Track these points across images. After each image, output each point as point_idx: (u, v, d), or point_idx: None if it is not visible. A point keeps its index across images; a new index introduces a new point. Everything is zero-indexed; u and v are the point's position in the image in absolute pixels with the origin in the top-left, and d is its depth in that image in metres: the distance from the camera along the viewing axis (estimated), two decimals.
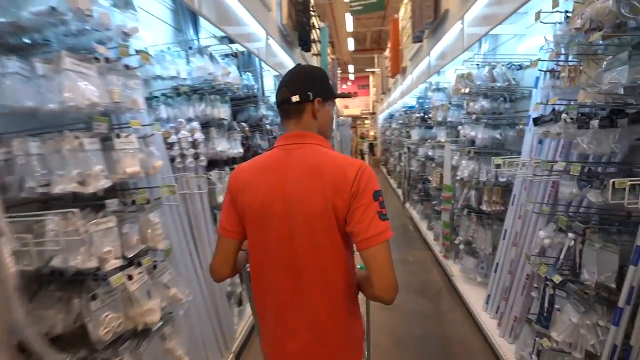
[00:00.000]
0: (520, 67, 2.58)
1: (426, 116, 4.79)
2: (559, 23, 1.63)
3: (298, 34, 3.90)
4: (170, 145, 1.82)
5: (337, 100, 18.25)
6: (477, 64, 2.75)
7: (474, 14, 2.74)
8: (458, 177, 2.94)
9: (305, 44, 4.10)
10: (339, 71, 13.16)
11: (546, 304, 1.66)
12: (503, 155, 2.77)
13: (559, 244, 1.63)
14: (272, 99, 4.18)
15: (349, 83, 21.71)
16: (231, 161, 2.57)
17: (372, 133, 19.51)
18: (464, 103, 3.61)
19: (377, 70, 16.38)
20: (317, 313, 0.89)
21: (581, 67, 1.51)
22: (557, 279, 1.52)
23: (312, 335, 0.89)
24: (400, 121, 7.34)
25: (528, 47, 2.62)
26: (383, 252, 0.83)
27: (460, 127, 3.15)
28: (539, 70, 1.89)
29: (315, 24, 5.01)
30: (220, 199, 2.14)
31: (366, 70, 20.10)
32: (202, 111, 2.01)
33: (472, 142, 3.35)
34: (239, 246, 0.98)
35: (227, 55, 2.55)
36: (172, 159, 1.84)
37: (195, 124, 1.94)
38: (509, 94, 2.65)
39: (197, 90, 2.06)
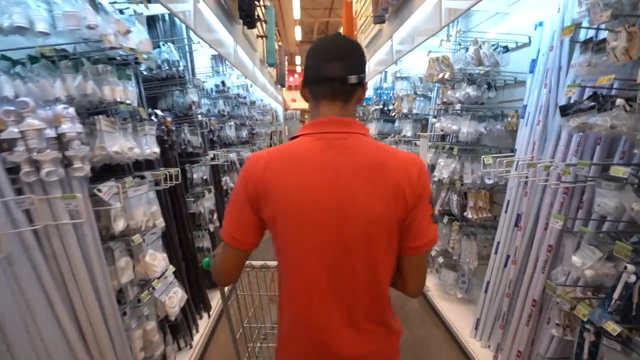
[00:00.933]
0: (507, 49, 2.19)
1: (386, 108, 4.36)
2: None
3: (239, 3, 3.14)
4: (7, 145, 1.03)
5: (286, 93, 17.53)
6: (459, 44, 2.31)
7: None
8: (435, 179, 2.50)
9: (249, 18, 3.36)
10: (285, 64, 12.39)
11: (585, 355, 1.24)
12: (490, 153, 2.39)
13: (604, 275, 1.22)
14: (209, 83, 3.38)
15: (296, 76, 21.04)
16: (145, 165, 1.80)
17: None
18: (433, 92, 3.23)
19: None
20: (373, 313, 0.80)
21: None
22: (614, 329, 1.09)
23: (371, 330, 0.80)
24: None
25: (508, 28, 2.25)
26: (426, 258, 0.81)
27: (434, 120, 2.72)
28: (572, 40, 1.45)
29: None
30: (121, 224, 1.39)
31: None
32: (79, 88, 1.23)
33: (443, 137, 2.98)
34: (248, 255, 0.84)
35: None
36: (13, 169, 1.06)
37: (65, 109, 1.16)
38: (494, 81, 2.26)
39: (71, 55, 1.27)
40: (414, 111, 3.48)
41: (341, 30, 7.93)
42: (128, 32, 1.32)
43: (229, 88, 3.41)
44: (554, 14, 1.77)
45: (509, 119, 2.15)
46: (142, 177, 1.50)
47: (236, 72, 4.24)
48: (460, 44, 2.30)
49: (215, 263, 0.87)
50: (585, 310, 1.22)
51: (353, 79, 0.76)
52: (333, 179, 0.73)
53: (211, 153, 2.76)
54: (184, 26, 2.29)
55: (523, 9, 2.17)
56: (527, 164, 1.74)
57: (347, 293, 0.76)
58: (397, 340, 0.86)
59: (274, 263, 1.10)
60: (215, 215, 2.63)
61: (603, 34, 1.27)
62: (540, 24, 1.94)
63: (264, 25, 4.96)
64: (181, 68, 2.17)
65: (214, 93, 3.37)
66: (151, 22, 2.17)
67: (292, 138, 0.79)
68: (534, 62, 1.95)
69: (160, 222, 1.61)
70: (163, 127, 1.99)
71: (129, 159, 1.39)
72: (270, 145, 6.41)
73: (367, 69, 1.01)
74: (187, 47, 2.38)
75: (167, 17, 2.22)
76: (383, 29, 4.08)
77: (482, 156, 2.06)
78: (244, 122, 4.34)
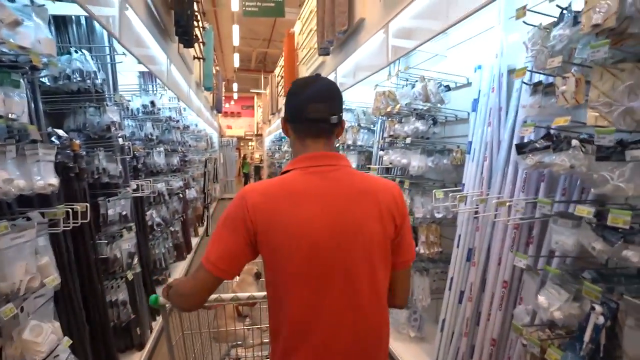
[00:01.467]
0: (448, 88, 2.30)
1: None
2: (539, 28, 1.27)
3: (175, 17, 2.86)
4: None
5: (222, 120, 16.91)
6: (406, 79, 2.36)
7: (400, 24, 2.37)
8: None
9: (186, 36, 3.08)
10: (222, 90, 12.03)
11: None
12: (437, 187, 2.43)
13: (571, 317, 1.19)
14: (135, 102, 2.95)
15: (232, 102, 20.66)
16: (37, 201, 1.36)
17: (257, 155, 18.74)
18: (377, 125, 3.28)
19: (262, 91, 15.95)
20: (372, 340, 0.82)
21: (588, 80, 1.15)
22: None
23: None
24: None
25: (447, 68, 2.40)
26: (410, 270, 0.93)
27: (381, 153, 2.71)
28: (524, 82, 1.51)
29: (199, 17, 4.02)
30: None
31: (251, 90, 19.52)
32: None
33: (387, 169, 3.00)
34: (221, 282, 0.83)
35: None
36: None
37: None
38: (438, 117, 2.34)
39: None
40: (358, 143, 3.49)
41: (282, 61, 8.01)
42: (17, 23, 0.98)
43: (159, 109, 3.01)
44: (492, 59, 1.89)
45: (454, 154, 2.21)
46: (28, 219, 1.10)
47: (168, 94, 3.84)
48: (407, 80, 2.36)
49: (183, 289, 0.85)
50: (557, 355, 1.17)
51: (334, 119, 0.83)
52: (328, 209, 0.78)
53: (134, 183, 2.32)
54: (105, 34, 1.93)
55: (460, 52, 2.33)
56: (479, 200, 1.76)
57: (357, 318, 0.79)
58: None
59: (244, 295, 1.17)
60: (136, 259, 2.16)
61: (550, 79, 1.34)
62: (479, 67, 2.07)
63: (201, 46, 4.68)
64: (99, 81, 1.79)
65: (140, 114, 2.94)
66: (62, 23, 1.78)
67: (283, 172, 0.83)
68: (475, 102, 2.05)
69: (53, 280, 1.19)
70: (68, 152, 1.57)
71: (4, 195, 0.99)
72: (205, 174, 5.91)
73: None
74: (108, 57, 2.00)
75: (84, 21, 1.86)
76: (327, 61, 4.14)
77: (434, 190, 2.05)
78: (175, 147, 3.89)
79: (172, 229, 3.65)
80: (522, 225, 1.63)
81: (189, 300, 0.83)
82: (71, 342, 1.32)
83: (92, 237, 1.84)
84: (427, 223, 2.25)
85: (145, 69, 2.85)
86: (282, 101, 8.64)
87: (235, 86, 17.54)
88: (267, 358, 1.23)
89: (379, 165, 2.91)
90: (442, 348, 2.02)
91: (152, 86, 3.22)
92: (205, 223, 6.09)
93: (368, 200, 0.80)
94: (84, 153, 1.64)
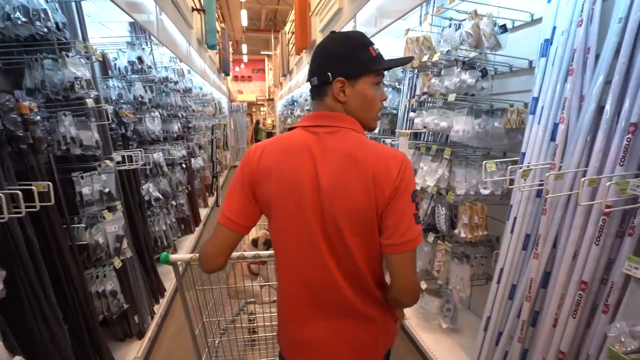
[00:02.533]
0: (505, 29, 1.77)
1: None
2: None
3: None
4: None
5: (232, 84, 16.27)
6: (449, 19, 1.83)
7: None
8: (417, 187, 2.04)
9: None
10: (230, 50, 11.32)
11: None
12: (480, 156, 1.98)
13: None
14: (122, 59, 2.53)
15: (242, 65, 19.83)
16: None
17: (269, 121, 18.21)
18: (404, 82, 2.77)
19: (273, 52, 15.06)
20: (350, 304, 0.81)
21: None
22: None
23: (345, 324, 0.83)
24: (307, 107, 6.33)
25: (499, 2, 1.84)
26: (412, 257, 0.78)
27: (412, 115, 2.25)
28: None
29: None
30: None
31: (261, 52, 18.54)
32: None
33: (415, 134, 2.55)
34: (241, 238, 0.87)
35: None
36: None
37: None
38: (494, 67, 1.83)
39: None
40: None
41: (292, 15, 7.26)
42: None
43: (149, 67, 2.59)
44: None
45: (509, 114, 1.73)
46: None
47: (162, 50, 3.38)
48: (451, 19, 1.83)
49: (206, 251, 0.87)
50: None
51: (314, 80, 0.81)
52: (317, 169, 0.76)
53: (118, 155, 1.97)
54: None
55: None
56: (554, 175, 1.32)
57: (327, 282, 0.80)
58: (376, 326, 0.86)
59: (251, 253, 1.21)
60: (126, 243, 1.87)
61: None
62: None
63: None
64: (52, 24, 1.37)
65: (128, 73, 2.53)
66: None
67: (290, 128, 0.84)
68: (547, 44, 1.54)
69: None
70: (14, 116, 1.21)
71: None
72: (212, 141, 5.56)
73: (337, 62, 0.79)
74: None
75: None
76: (344, 7, 3.54)
77: (485, 162, 1.62)
78: (175, 113, 3.50)
79: (175, 202, 3.36)
80: (614, 210, 1.20)
81: (212, 260, 0.86)
82: None
83: (65, 222, 1.53)
84: (471, 201, 1.84)
85: (129, 18, 2.40)
86: (293, 61, 7.97)
87: (244, 47, 16.62)
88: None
89: (409, 129, 2.45)
90: (485, 350, 1.70)
91: (145, 42, 2.77)
92: (215, 193, 5.84)
93: (356, 169, 0.75)
94: (38, 118, 1.27)
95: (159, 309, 2.42)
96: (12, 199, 1.16)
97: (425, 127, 2.03)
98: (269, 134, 15.49)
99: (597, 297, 1.27)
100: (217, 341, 1.55)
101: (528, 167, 1.50)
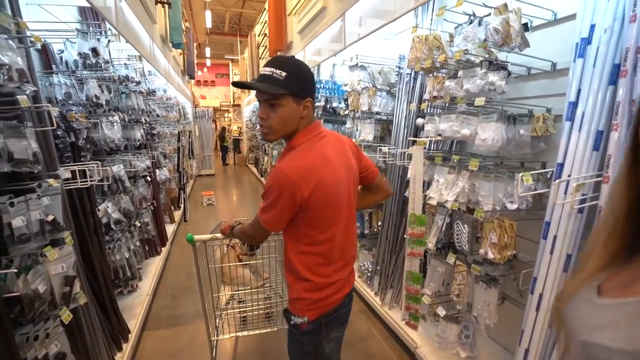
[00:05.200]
0: (526, 27, 1.60)
1: (329, 106, 3.59)
2: None
3: None
4: None
5: (195, 89, 15.44)
6: (471, 14, 1.63)
7: None
8: (433, 202, 1.80)
9: None
10: (195, 52, 10.65)
11: None
12: (504, 167, 1.79)
13: None
14: (69, 50, 2.07)
15: (205, 70, 19.01)
16: None
17: (235, 127, 17.53)
18: (400, 86, 2.56)
19: (238, 57, 14.51)
20: (355, 248, 1.26)
21: None
22: None
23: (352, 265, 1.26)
24: None
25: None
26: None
27: (421, 121, 2.02)
28: None
29: None
30: None
31: (225, 56, 17.87)
32: None
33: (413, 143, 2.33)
34: None
35: None
36: None
37: None
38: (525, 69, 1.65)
39: None
40: (374, 109, 2.78)
41: (263, 16, 6.91)
42: None
43: (106, 62, 2.14)
44: None
45: (536, 121, 1.56)
46: None
47: (123, 47, 2.90)
48: (472, 15, 1.62)
49: (247, 234, 1.24)
50: None
51: (289, 89, 1.03)
52: (342, 161, 1.13)
53: (66, 170, 1.52)
54: None
55: None
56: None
57: (352, 243, 1.23)
58: None
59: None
60: (77, 286, 1.42)
61: None
62: None
63: None
64: None
65: (79, 68, 2.06)
66: None
67: (293, 145, 1.09)
68: (584, 43, 1.38)
69: None
70: None
71: None
72: (179, 149, 5.02)
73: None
74: None
75: None
76: (328, 6, 3.29)
77: (521, 174, 1.41)
78: (137, 117, 3.01)
79: (139, 221, 2.87)
80: None
81: (253, 241, 1.45)
82: None
83: None
84: (497, 217, 1.63)
85: (82, 1, 1.95)
86: (263, 64, 7.59)
87: (208, 51, 15.91)
88: (266, 298, 2.02)
89: (413, 137, 2.22)
90: None
91: (100, 32, 2.30)
92: (182, 206, 5.28)
93: (345, 148, 1.17)
94: None
95: (122, 358, 1.95)
96: None
97: (440, 135, 1.81)
98: (236, 141, 14.83)
99: None
100: (217, 321, 1.93)
101: (574, 178, 1.31)
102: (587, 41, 1.37)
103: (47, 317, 1.33)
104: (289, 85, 0.99)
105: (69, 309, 1.35)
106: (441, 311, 1.87)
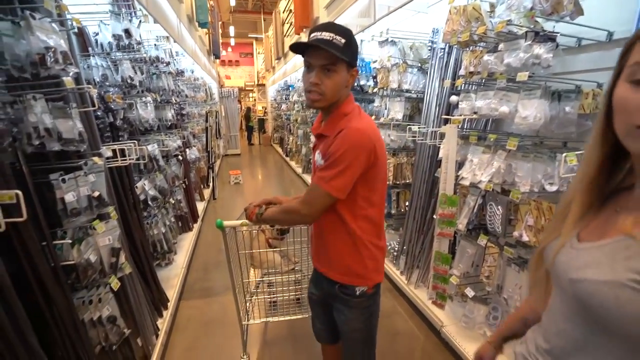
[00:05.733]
0: None
1: (357, 84, 3.50)
2: None
3: None
4: None
5: (219, 69, 15.54)
6: None
7: None
8: (466, 182, 1.75)
9: None
10: (219, 31, 10.63)
11: None
12: (541, 147, 1.70)
13: None
14: (104, 33, 2.12)
15: (230, 49, 18.97)
16: None
17: (260, 107, 17.61)
18: (432, 61, 2.45)
19: (262, 35, 14.35)
20: None
21: None
22: None
23: None
24: None
25: None
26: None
27: (455, 99, 1.94)
28: None
29: None
30: None
31: (249, 35, 17.73)
32: None
33: (446, 122, 2.24)
34: None
35: None
36: None
37: None
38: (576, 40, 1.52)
39: None
40: (405, 87, 2.69)
41: None
42: None
43: (139, 44, 2.18)
44: None
45: (585, 97, 1.44)
46: None
47: (151, 27, 2.94)
48: None
49: (310, 211, 1.07)
50: None
51: (343, 54, 1.03)
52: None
53: (107, 149, 1.61)
54: None
55: None
56: None
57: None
58: None
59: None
60: (123, 257, 1.52)
61: None
62: None
63: None
64: None
65: (113, 50, 2.12)
66: None
67: (347, 110, 1.09)
68: None
69: None
70: None
71: None
72: (207, 129, 5.14)
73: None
74: None
75: None
76: None
77: (564, 154, 1.33)
78: (168, 98, 3.09)
79: (172, 199, 3.00)
80: None
81: (312, 218, 1.11)
82: None
83: (45, 238, 1.18)
84: (535, 199, 1.56)
85: None
86: (289, 42, 7.48)
87: (232, 30, 15.82)
88: (296, 282, 2.03)
89: (446, 115, 2.14)
90: None
91: (131, 13, 2.34)
92: (211, 185, 5.46)
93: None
94: None
95: (163, 324, 2.10)
96: None
97: (476, 113, 1.73)
98: (261, 121, 14.95)
99: None
100: (248, 305, 1.93)
101: None
102: None
103: (98, 285, 1.45)
104: (346, 52, 0.99)
105: (116, 277, 1.46)
106: (470, 292, 1.86)
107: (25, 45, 1.06)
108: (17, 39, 1.06)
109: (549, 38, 1.40)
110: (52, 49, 1.09)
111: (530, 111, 1.44)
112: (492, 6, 1.73)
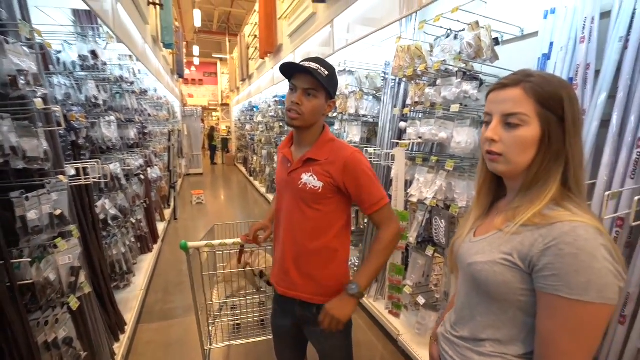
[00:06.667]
0: (497, 42, 1.78)
1: None
2: None
3: None
4: None
5: (183, 87, 15.31)
6: (448, 29, 1.80)
7: None
8: (414, 199, 1.96)
9: None
10: (184, 51, 10.61)
11: None
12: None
13: None
14: (68, 52, 2.14)
15: (193, 68, 18.85)
16: None
17: (224, 127, 17.48)
18: (385, 91, 2.72)
19: (227, 56, 14.48)
20: None
21: None
22: None
23: None
24: (271, 114, 6.09)
25: (490, 13, 1.87)
26: None
27: (403, 125, 2.19)
28: None
29: None
30: None
31: (213, 55, 17.79)
32: None
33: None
34: None
35: None
36: None
37: None
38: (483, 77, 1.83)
39: None
40: (361, 112, 2.94)
41: (253, 18, 6.99)
42: None
43: (104, 64, 2.22)
44: None
45: None
46: None
47: (117, 47, 2.97)
48: (449, 30, 1.79)
49: (397, 222, 1.17)
50: None
51: (324, 84, 1.15)
52: None
53: (71, 167, 1.61)
54: None
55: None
56: (611, 194, 1.31)
57: None
58: None
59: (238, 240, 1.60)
60: (83, 276, 1.51)
61: None
62: (553, 10, 1.56)
63: None
64: None
65: (77, 70, 2.13)
66: None
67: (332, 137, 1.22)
68: (545, 58, 1.56)
69: None
70: None
71: None
72: (169, 148, 5.07)
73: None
74: None
75: None
76: (318, 12, 3.43)
77: None
78: (131, 117, 3.08)
79: (133, 219, 2.94)
80: (626, 225, 1.22)
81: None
82: None
83: (3, 256, 1.17)
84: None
85: (83, 5, 2.03)
86: (254, 65, 7.68)
87: (196, 49, 15.81)
88: (261, 304, 1.99)
89: (398, 139, 2.38)
90: None
91: (95, 34, 2.37)
92: (172, 204, 5.32)
93: None
94: None
95: (120, 348, 2.04)
96: None
97: (420, 138, 1.98)
98: (224, 140, 14.81)
99: None
100: (210, 329, 1.91)
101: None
102: (547, 57, 1.55)
103: (55, 305, 1.42)
104: (328, 83, 1.11)
105: (75, 297, 1.44)
106: (421, 300, 2.03)
107: None
108: None
109: (474, 77, 1.68)
110: (24, 72, 1.14)
111: (463, 137, 1.70)
112: (432, 47, 2.02)
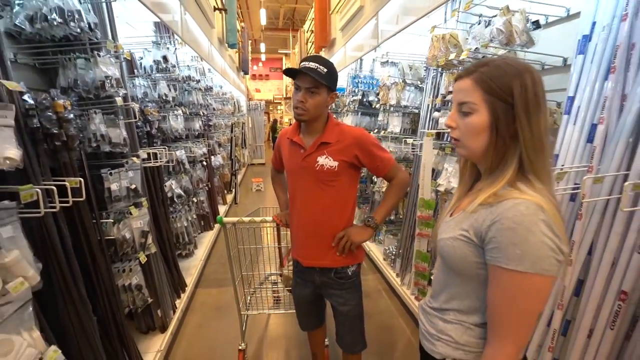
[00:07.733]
0: (538, 25, 1.69)
1: (365, 100, 3.80)
2: None
3: None
4: None
5: (250, 82, 16.38)
6: (480, 15, 1.77)
7: None
8: (441, 188, 1.98)
9: None
10: (249, 49, 11.41)
11: None
12: None
13: None
14: (147, 58, 2.59)
15: (260, 64, 19.99)
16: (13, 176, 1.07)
17: (286, 119, 18.29)
18: (427, 81, 2.71)
19: (291, 51, 15.09)
20: None
21: None
22: None
23: None
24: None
25: None
26: None
27: (437, 114, 2.19)
28: None
29: None
30: None
31: (279, 51, 18.65)
32: None
33: (438, 135, 2.48)
34: None
35: None
36: None
37: None
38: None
39: None
40: (403, 103, 2.96)
41: (312, 13, 7.24)
42: None
43: (173, 66, 2.63)
44: None
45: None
46: None
47: (187, 50, 3.44)
48: (480, 15, 1.77)
49: (401, 197, 1.41)
50: None
51: (324, 81, 1.29)
52: None
53: (144, 152, 2.01)
54: None
55: None
56: (593, 178, 1.26)
57: None
58: None
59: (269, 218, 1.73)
60: (150, 239, 1.90)
61: None
62: None
63: None
64: (85, 24, 1.41)
65: (153, 72, 2.58)
66: None
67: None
68: (585, 40, 1.46)
69: (21, 284, 0.90)
70: (50, 114, 1.25)
71: None
72: (231, 139, 5.63)
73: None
74: None
75: None
76: (365, 5, 3.49)
77: None
78: (196, 111, 3.56)
79: (196, 199, 3.42)
80: None
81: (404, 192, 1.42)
82: (59, 351, 1.07)
83: (95, 217, 1.57)
84: None
85: (157, 19, 2.45)
86: None
87: (262, 46, 16.75)
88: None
89: (432, 129, 2.39)
90: None
91: (169, 40, 2.82)
92: (233, 190, 5.91)
93: None
94: (71, 116, 1.31)
95: (180, 303, 2.46)
96: (47, 194, 1.20)
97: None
98: None
99: (638, 308, 1.20)
100: (249, 298, 2.02)
101: (562, 169, 1.43)
102: (588, 38, 1.46)
103: (130, 258, 1.83)
104: (327, 79, 1.24)
105: (144, 254, 1.83)
106: None
107: (92, 74, 1.48)
108: (87, 71, 1.48)
109: None
110: (110, 78, 1.50)
111: None
112: (467, 34, 1.99)
